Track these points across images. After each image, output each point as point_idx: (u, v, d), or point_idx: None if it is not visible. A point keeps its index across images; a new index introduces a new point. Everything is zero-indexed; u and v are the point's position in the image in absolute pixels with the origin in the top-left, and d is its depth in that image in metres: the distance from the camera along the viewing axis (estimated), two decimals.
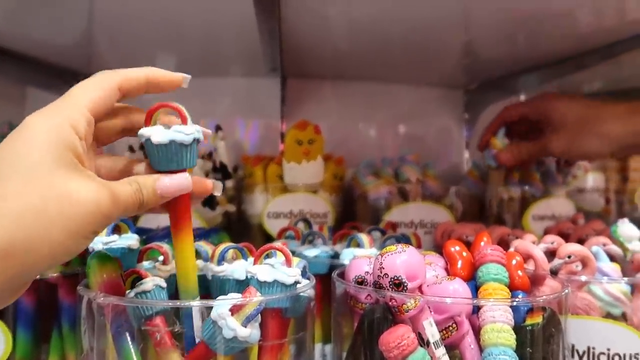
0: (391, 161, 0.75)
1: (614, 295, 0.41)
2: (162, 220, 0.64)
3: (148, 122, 0.32)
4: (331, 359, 0.45)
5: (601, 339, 0.40)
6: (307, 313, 0.39)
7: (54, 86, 0.76)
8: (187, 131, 0.32)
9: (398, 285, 0.34)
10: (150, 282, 0.34)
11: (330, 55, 0.72)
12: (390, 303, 0.34)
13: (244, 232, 0.69)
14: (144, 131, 0.31)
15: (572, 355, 0.40)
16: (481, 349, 0.35)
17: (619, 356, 0.39)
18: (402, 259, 0.34)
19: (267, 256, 0.39)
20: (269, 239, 0.64)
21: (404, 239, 0.52)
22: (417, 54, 0.73)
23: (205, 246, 0.44)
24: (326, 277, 0.44)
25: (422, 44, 0.68)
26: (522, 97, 0.91)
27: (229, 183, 0.70)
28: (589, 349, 0.40)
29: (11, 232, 0.24)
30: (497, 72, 0.82)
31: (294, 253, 0.52)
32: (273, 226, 0.64)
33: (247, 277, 0.36)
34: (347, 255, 0.48)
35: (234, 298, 0.32)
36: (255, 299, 0.32)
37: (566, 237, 0.61)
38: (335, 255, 0.50)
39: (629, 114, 0.58)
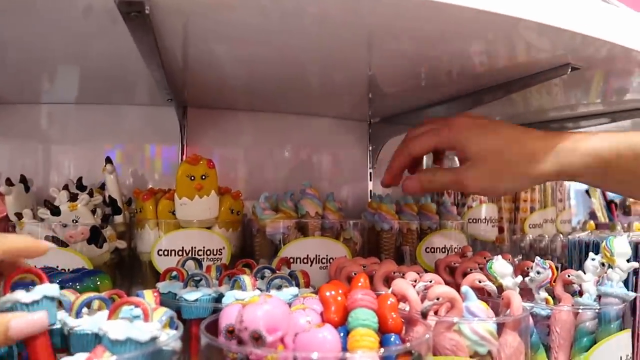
0: (292, 194, 0.75)
1: (480, 334, 0.42)
2: (39, 260, 0.59)
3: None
4: None
5: None
6: None
7: None
8: None
9: (257, 339, 0.33)
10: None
11: (228, 87, 0.72)
12: (250, 357, 0.33)
13: (135, 269, 0.66)
14: None
15: None
16: None
17: None
18: (262, 311, 0.33)
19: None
20: (159, 277, 0.61)
21: (289, 280, 0.51)
22: (318, 88, 0.74)
23: (68, 295, 0.41)
24: None
25: (323, 79, 0.69)
26: None
27: (120, 218, 0.67)
28: None
29: None
30: (401, 105, 0.85)
31: (175, 296, 0.50)
32: (164, 264, 0.61)
33: (100, 334, 0.34)
34: (229, 298, 0.47)
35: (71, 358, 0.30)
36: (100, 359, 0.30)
37: (454, 270, 0.64)
38: (220, 298, 0.49)
39: (553, 148, 0.52)
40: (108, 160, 0.66)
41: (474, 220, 0.88)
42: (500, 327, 0.45)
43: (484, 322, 0.43)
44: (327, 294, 0.40)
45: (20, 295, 0.33)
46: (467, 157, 0.55)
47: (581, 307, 0.50)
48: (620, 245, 0.49)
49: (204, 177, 0.62)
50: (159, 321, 0.36)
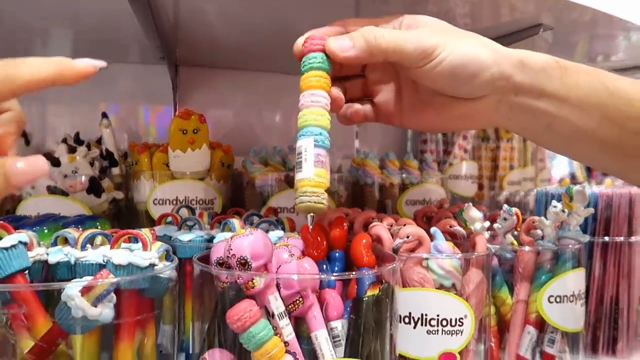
0: (281, 150, 0.78)
1: (445, 269, 0.47)
2: (41, 208, 0.63)
3: None
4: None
5: (433, 307, 0.46)
6: (168, 293, 0.42)
7: None
8: None
9: (244, 264, 0.37)
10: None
11: (220, 46, 0.74)
12: (238, 281, 0.38)
13: (132, 218, 0.70)
14: None
15: (410, 322, 0.46)
16: (324, 316, 0.40)
17: (446, 320, 0.46)
18: (248, 241, 0.37)
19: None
20: (155, 225, 0.65)
21: (275, 224, 0.55)
22: None
23: (73, 232, 0.45)
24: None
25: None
26: None
27: (116, 170, 0.71)
28: (422, 315, 0.46)
29: None
30: None
31: (170, 238, 0.54)
32: (159, 213, 0.65)
33: (104, 260, 0.38)
34: (219, 239, 0.51)
35: (83, 280, 0.34)
36: (104, 280, 0.34)
37: (430, 219, 0.69)
38: (211, 239, 0.53)
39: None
40: (104, 115, 0.70)
41: (455, 177, 0.92)
42: (466, 264, 0.49)
43: (449, 258, 0.48)
44: (308, 232, 0.45)
45: None
46: (418, 25, 0.43)
47: (540, 248, 0.55)
48: (578, 193, 0.54)
49: (195, 131, 0.65)
50: (156, 252, 0.41)
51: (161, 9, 0.55)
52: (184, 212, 0.62)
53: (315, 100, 0.40)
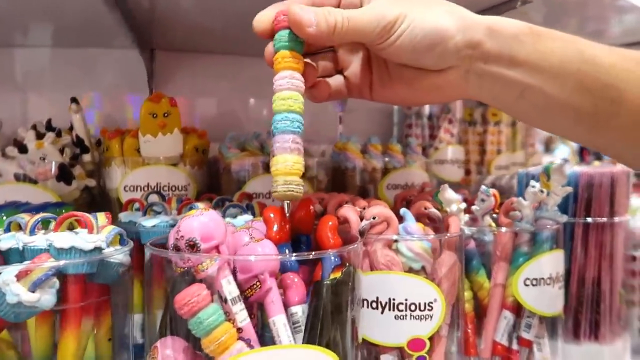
0: (259, 135, 0.76)
1: (414, 251, 0.45)
2: (9, 196, 0.62)
3: None
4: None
5: (400, 291, 0.44)
6: (121, 279, 0.40)
7: None
8: None
9: (192, 246, 0.35)
10: None
11: (197, 30, 0.72)
12: (187, 264, 0.36)
13: (105, 207, 0.68)
14: None
15: (377, 307, 0.45)
16: (283, 302, 0.39)
17: (415, 305, 0.44)
18: (198, 222, 0.36)
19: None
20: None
21: (244, 209, 0.54)
22: None
23: (25, 218, 0.43)
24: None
25: None
26: None
27: (88, 157, 0.69)
28: (390, 300, 0.44)
29: None
30: None
31: (134, 224, 0.53)
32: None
33: (47, 244, 0.36)
34: None
35: (19, 265, 0.33)
36: (40, 264, 0.33)
37: (410, 202, 0.67)
38: (174, 225, 0.52)
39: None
40: (73, 100, 0.68)
41: (440, 162, 0.90)
42: (438, 246, 0.48)
43: (418, 239, 0.46)
44: (271, 214, 0.43)
45: None
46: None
47: (517, 229, 0.53)
48: (556, 171, 0.52)
49: (166, 114, 0.64)
50: (106, 236, 0.39)
51: None
52: (154, 198, 0.60)
53: (290, 84, 0.38)
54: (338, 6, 0.42)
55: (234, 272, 0.39)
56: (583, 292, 0.59)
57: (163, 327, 0.37)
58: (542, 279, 0.51)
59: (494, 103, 0.45)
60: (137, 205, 0.57)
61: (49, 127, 0.70)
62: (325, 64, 0.47)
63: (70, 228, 0.40)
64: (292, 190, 0.37)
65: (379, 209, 0.46)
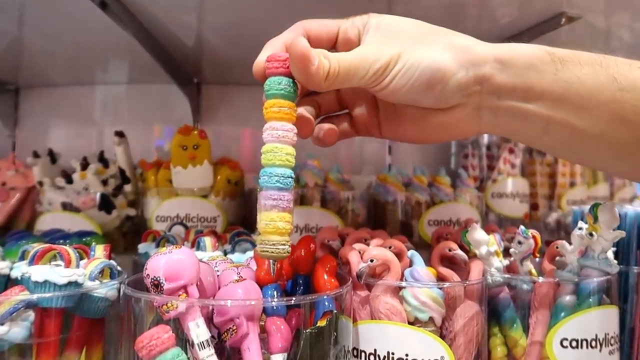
0: (296, 167, 0.75)
1: (420, 299, 0.40)
2: (56, 224, 0.65)
3: None
4: None
5: (401, 345, 0.39)
6: (109, 313, 0.40)
7: None
8: None
9: (157, 285, 0.34)
10: None
11: (241, 63, 0.74)
12: (155, 304, 0.35)
13: (141, 233, 0.70)
14: None
15: None
16: (268, 348, 0.36)
17: None
18: (165, 260, 0.34)
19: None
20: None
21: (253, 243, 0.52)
22: None
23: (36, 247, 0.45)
24: None
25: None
26: None
27: (129, 187, 0.72)
28: (388, 353, 0.39)
29: None
30: None
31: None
32: (161, 229, 0.65)
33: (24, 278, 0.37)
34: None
35: None
36: (11, 297, 0.33)
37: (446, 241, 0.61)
38: None
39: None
40: (117, 133, 0.71)
41: (499, 195, 0.82)
42: (454, 295, 0.42)
43: (425, 287, 0.41)
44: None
45: None
46: (378, 31, 0.37)
47: (557, 279, 0.45)
48: (604, 212, 0.44)
49: (195, 147, 0.65)
50: (92, 269, 0.39)
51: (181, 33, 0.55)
52: (178, 230, 0.61)
53: (281, 136, 0.35)
54: (335, 43, 0.39)
55: (211, 314, 0.37)
56: None
57: None
58: (585, 340, 0.43)
59: (516, 138, 0.40)
60: (157, 237, 0.57)
61: (101, 159, 0.74)
62: (330, 103, 0.43)
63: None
64: (274, 252, 0.34)
65: (378, 251, 0.41)
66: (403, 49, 0.35)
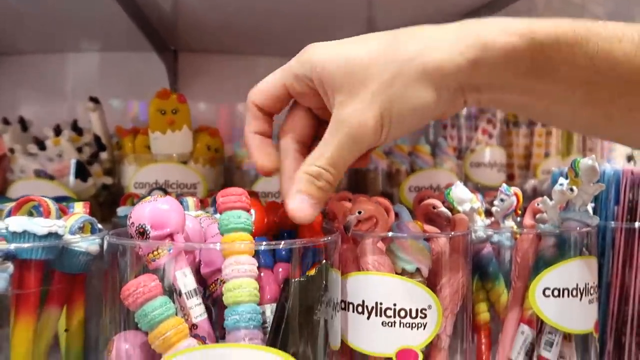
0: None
1: (407, 250, 0.40)
2: (28, 191, 0.63)
3: None
4: None
5: (389, 294, 0.40)
6: (90, 269, 0.39)
7: None
8: None
9: (142, 233, 0.33)
10: None
11: (219, 30, 0.72)
12: (139, 252, 0.34)
13: (118, 203, 0.69)
14: None
15: (363, 311, 0.40)
16: None
17: (405, 311, 0.39)
18: (150, 208, 0.33)
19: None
20: None
21: None
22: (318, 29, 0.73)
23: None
24: None
25: (321, 19, 0.68)
26: None
27: (105, 155, 0.70)
28: (376, 304, 0.39)
29: None
30: None
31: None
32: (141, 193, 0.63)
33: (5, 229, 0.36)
34: None
35: None
36: None
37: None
38: None
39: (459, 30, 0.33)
40: (92, 99, 0.69)
41: (476, 165, 0.83)
42: (439, 248, 0.42)
43: (411, 239, 0.41)
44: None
45: None
46: (338, 86, 0.33)
47: (538, 231, 0.46)
48: (585, 166, 0.45)
49: (174, 111, 0.63)
50: (72, 223, 0.38)
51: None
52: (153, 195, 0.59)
53: (248, 270, 0.32)
54: (288, 97, 0.37)
55: (198, 266, 0.36)
56: (626, 310, 0.50)
57: (118, 322, 0.35)
58: (567, 289, 0.44)
59: (498, 108, 0.40)
60: (135, 200, 0.56)
61: (75, 127, 0.72)
62: (307, 127, 0.39)
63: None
64: None
65: (366, 204, 0.41)
66: (381, 106, 0.33)
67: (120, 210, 0.54)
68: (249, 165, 0.68)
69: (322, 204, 0.35)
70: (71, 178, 0.66)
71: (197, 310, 0.34)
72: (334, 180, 0.34)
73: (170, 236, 0.34)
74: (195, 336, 0.33)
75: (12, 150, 0.67)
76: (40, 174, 0.66)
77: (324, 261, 0.37)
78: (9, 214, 0.38)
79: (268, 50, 0.81)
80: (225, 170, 0.71)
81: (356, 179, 0.75)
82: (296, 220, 0.35)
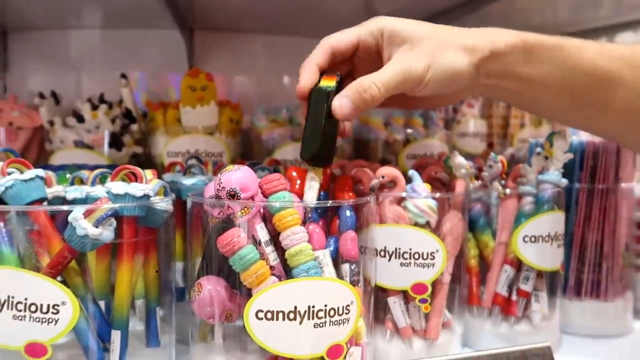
0: (289, 107, 0.83)
1: (419, 207, 0.51)
2: (69, 160, 0.70)
3: None
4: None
5: (406, 241, 0.50)
6: (166, 224, 0.48)
7: None
8: None
9: (233, 195, 0.41)
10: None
11: (236, 9, 0.78)
12: (228, 211, 0.42)
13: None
14: None
15: (385, 255, 0.51)
16: None
17: (418, 254, 0.50)
18: (237, 175, 0.41)
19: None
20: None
21: (270, 170, 0.60)
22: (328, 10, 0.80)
23: (86, 173, 0.52)
24: None
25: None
26: None
27: (135, 127, 0.77)
28: (396, 249, 0.50)
29: None
30: None
31: (175, 183, 0.60)
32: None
33: (107, 192, 0.44)
34: None
35: (85, 206, 0.40)
36: (101, 205, 0.40)
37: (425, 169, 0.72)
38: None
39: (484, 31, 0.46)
40: (123, 75, 0.76)
41: (462, 135, 0.94)
42: (443, 205, 0.53)
43: (424, 197, 0.51)
44: (293, 173, 0.49)
45: (19, 175, 0.41)
46: (401, 40, 0.44)
47: (519, 191, 0.57)
48: (558, 138, 0.56)
49: (203, 88, 0.71)
50: (153, 187, 0.46)
51: None
52: (192, 163, 0.68)
53: (302, 238, 0.41)
54: (357, 49, 0.46)
55: (264, 220, 0.45)
56: (585, 253, 0.63)
57: (203, 269, 0.44)
58: (541, 236, 0.55)
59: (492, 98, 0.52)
60: (178, 167, 0.64)
61: (102, 100, 0.79)
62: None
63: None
64: None
65: (387, 170, 0.51)
66: (431, 59, 0.43)
67: (167, 177, 0.62)
68: (267, 136, 0.76)
69: (358, 113, 0.43)
70: (106, 148, 0.74)
71: (272, 255, 0.42)
72: (377, 97, 0.43)
73: (252, 197, 0.43)
74: (274, 275, 0.42)
75: (51, 123, 0.74)
76: (79, 144, 0.73)
77: (338, 75, 0.45)
78: (100, 179, 0.46)
79: (277, 29, 0.88)
80: (242, 141, 0.80)
81: (358, 148, 0.84)
82: (336, 114, 0.43)
